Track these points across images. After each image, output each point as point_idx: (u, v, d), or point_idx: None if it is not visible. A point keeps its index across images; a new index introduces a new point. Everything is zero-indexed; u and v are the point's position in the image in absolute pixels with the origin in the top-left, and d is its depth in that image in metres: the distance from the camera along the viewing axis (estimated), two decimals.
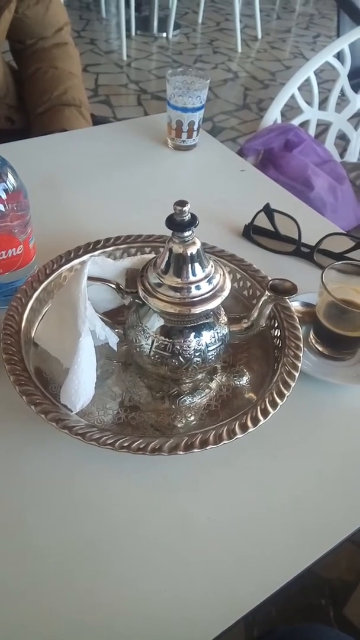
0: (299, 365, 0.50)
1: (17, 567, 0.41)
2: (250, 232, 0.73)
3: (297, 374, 0.49)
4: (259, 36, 3.58)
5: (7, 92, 1.07)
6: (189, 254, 0.44)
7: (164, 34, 3.45)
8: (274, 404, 0.46)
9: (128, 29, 3.30)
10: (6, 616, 0.38)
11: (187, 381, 0.52)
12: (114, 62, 3.07)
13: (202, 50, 3.35)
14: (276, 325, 0.54)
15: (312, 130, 1.29)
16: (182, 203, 0.42)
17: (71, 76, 1.08)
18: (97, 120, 1.14)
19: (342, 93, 1.31)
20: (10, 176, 0.53)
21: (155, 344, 0.47)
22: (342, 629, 0.55)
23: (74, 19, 3.44)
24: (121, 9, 3.00)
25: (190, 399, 0.52)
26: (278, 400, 0.46)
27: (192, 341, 0.47)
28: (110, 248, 0.61)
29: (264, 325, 0.50)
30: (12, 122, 1.09)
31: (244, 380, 0.54)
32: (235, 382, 0.54)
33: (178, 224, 0.43)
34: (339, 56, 1.24)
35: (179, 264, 0.44)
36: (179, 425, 0.49)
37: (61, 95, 1.05)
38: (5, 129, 1.08)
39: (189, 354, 0.47)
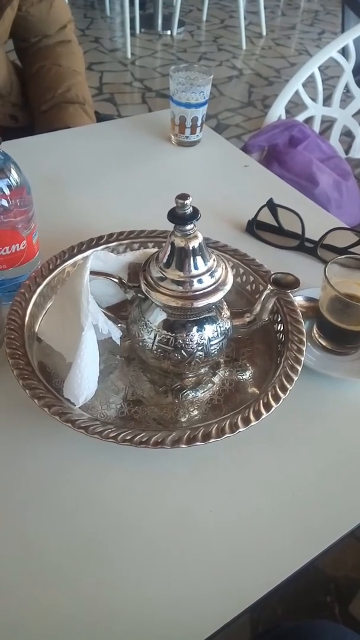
0: (302, 359, 0.49)
1: (17, 562, 0.41)
2: (254, 228, 0.73)
3: (300, 368, 0.49)
4: (264, 33, 3.56)
5: (11, 90, 1.07)
6: (190, 248, 0.44)
7: (169, 32, 3.44)
8: (276, 398, 0.46)
9: (132, 27, 3.30)
10: (5, 612, 0.39)
11: (190, 375, 0.52)
12: (119, 61, 3.07)
13: (207, 48, 3.34)
14: (279, 319, 0.54)
15: (316, 127, 1.28)
16: (183, 196, 0.42)
17: (75, 74, 1.08)
18: (101, 118, 1.14)
19: (347, 89, 1.30)
20: (13, 172, 0.53)
21: (157, 338, 0.47)
22: (347, 627, 0.55)
23: (78, 18, 3.45)
24: (125, 7, 3.00)
25: (193, 394, 0.52)
26: (281, 394, 0.46)
27: (195, 335, 0.47)
28: (113, 243, 0.61)
29: (267, 319, 0.49)
30: (16, 120, 1.09)
31: (247, 374, 0.54)
32: (238, 376, 0.54)
33: (180, 217, 0.43)
34: (344, 52, 1.24)
35: (181, 257, 0.44)
36: (181, 420, 0.49)
37: (65, 93, 1.05)
38: (9, 126, 1.08)
39: (191, 348, 0.47)
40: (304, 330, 0.52)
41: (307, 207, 0.80)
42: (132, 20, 3.29)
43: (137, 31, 3.41)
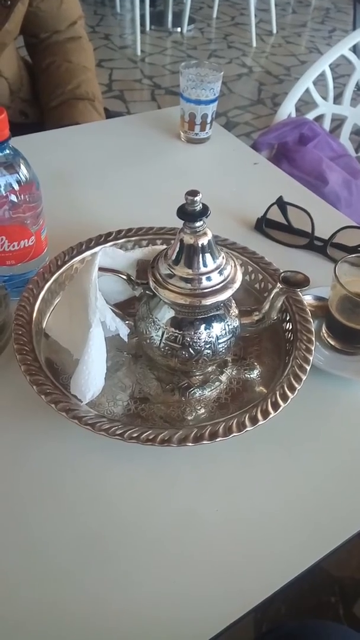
0: (311, 358, 0.49)
1: (21, 559, 0.41)
2: (263, 225, 0.72)
3: (308, 368, 0.48)
4: (274, 31, 3.55)
5: (21, 86, 1.07)
6: (200, 245, 0.44)
7: (179, 29, 3.43)
8: (284, 397, 0.46)
9: (142, 24, 3.30)
10: (9, 610, 0.38)
11: (197, 374, 0.52)
12: (128, 58, 3.06)
13: (217, 45, 3.33)
14: (288, 318, 0.54)
15: (326, 125, 1.27)
16: (193, 193, 0.42)
17: (85, 70, 1.08)
18: (110, 115, 1.13)
19: (358, 87, 1.29)
20: (22, 167, 0.53)
21: (165, 335, 0.47)
22: (352, 628, 0.55)
23: (88, 14, 3.45)
24: (136, 4, 2.99)
25: (200, 392, 0.51)
26: (289, 393, 0.46)
27: (203, 333, 0.47)
28: (122, 240, 0.60)
29: (276, 318, 0.49)
30: (26, 116, 1.09)
31: (255, 373, 0.53)
32: (246, 375, 0.53)
33: (189, 214, 0.43)
34: (355, 50, 1.23)
35: (190, 254, 0.44)
36: (188, 418, 0.49)
37: (74, 89, 1.05)
38: (19, 122, 1.08)
39: (199, 346, 0.47)
40: (313, 330, 0.52)
41: (317, 205, 0.80)
42: (142, 17, 3.28)
43: (147, 28, 3.41)
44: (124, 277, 0.50)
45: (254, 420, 0.44)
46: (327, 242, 0.69)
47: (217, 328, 0.47)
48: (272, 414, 0.45)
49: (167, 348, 0.47)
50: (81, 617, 0.38)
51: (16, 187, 0.52)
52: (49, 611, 0.39)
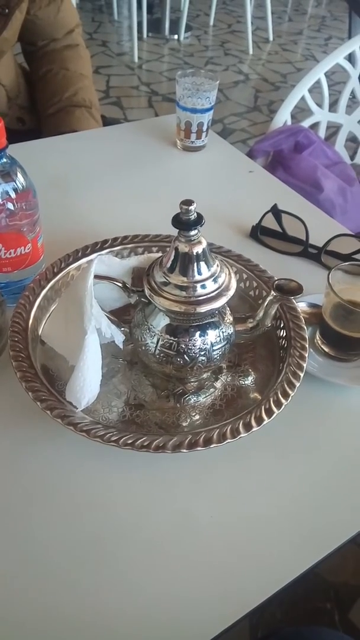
0: (304, 365, 0.49)
1: (18, 564, 0.41)
2: (258, 233, 0.73)
3: (302, 374, 0.49)
4: (271, 38, 3.58)
5: (18, 93, 1.08)
6: (194, 253, 0.44)
7: (176, 36, 3.46)
8: (278, 404, 0.46)
9: (140, 31, 3.32)
10: (8, 612, 0.39)
11: (192, 380, 0.52)
12: (126, 64, 3.08)
13: (214, 52, 3.35)
14: (282, 325, 0.54)
15: (322, 132, 1.28)
16: (188, 202, 0.42)
17: (82, 77, 1.09)
18: (107, 122, 1.14)
19: (353, 95, 1.30)
20: (19, 175, 0.53)
21: (160, 342, 0.47)
22: (347, 634, 0.55)
23: (86, 21, 3.47)
24: (133, 11, 3.01)
25: (195, 398, 0.52)
26: (282, 400, 0.46)
27: (198, 340, 0.47)
28: (118, 247, 0.61)
29: (270, 325, 0.50)
30: (23, 122, 1.10)
31: (249, 380, 0.54)
32: (240, 381, 0.54)
33: (184, 223, 0.43)
34: (350, 58, 1.24)
35: (185, 262, 0.44)
36: (183, 424, 0.49)
37: (72, 97, 1.06)
38: (16, 129, 1.09)
39: (194, 352, 0.47)
40: (307, 337, 0.52)
41: (312, 213, 0.80)
42: (140, 24, 3.31)
43: (145, 35, 3.43)
44: (120, 284, 0.50)
45: (247, 427, 0.44)
46: (321, 249, 0.69)
47: (212, 335, 0.48)
48: (266, 420, 0.45)
49: (162, 355, 0.48)
50: (79, 618, 0.39)
51: (13, 195, 0.53)
52: (49, 612, 0.39)
